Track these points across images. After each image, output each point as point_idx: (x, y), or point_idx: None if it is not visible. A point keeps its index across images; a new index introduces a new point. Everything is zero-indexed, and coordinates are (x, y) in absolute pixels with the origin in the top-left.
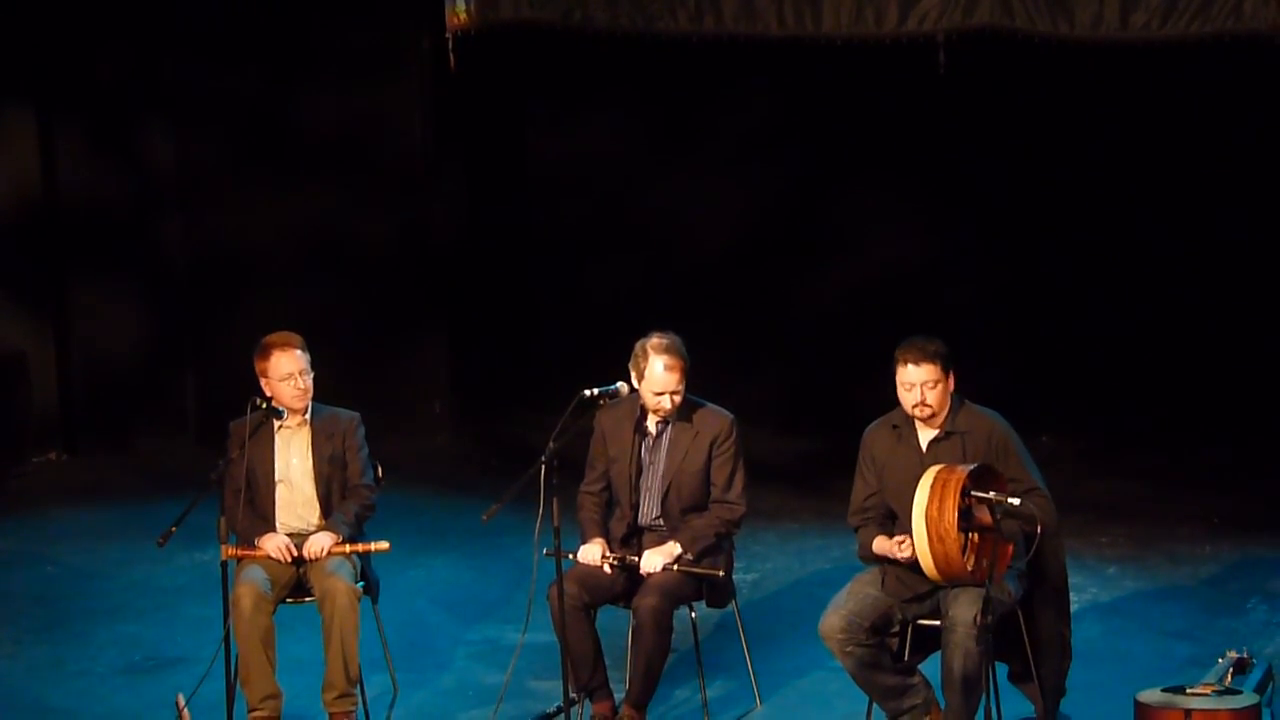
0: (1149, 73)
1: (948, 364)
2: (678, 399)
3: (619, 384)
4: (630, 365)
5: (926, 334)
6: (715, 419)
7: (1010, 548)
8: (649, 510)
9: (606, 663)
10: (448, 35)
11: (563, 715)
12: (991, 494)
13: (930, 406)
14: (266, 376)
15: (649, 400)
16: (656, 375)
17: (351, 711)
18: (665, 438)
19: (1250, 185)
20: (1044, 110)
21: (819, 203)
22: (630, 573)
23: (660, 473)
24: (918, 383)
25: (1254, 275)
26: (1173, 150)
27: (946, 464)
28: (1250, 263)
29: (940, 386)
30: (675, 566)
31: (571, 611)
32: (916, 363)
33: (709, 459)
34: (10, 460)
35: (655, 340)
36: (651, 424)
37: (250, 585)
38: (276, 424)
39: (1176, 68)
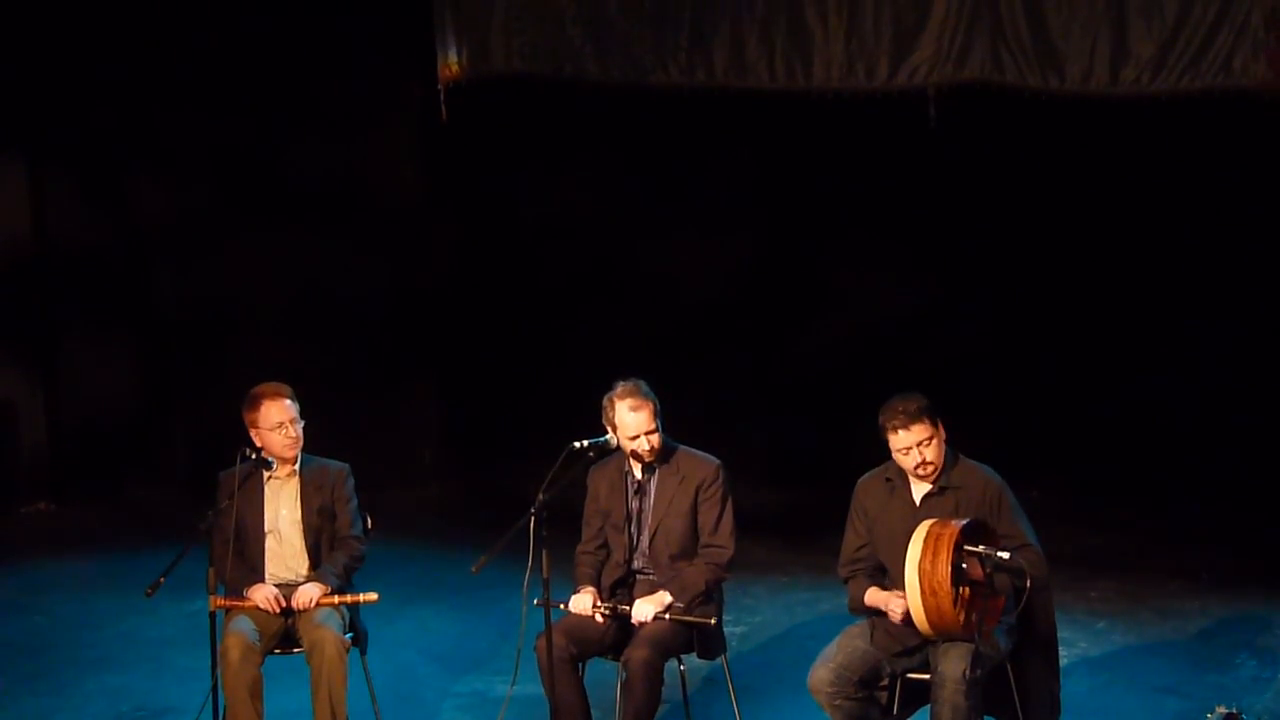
0: (1139, 128)
1: (934, 416)
2: (654, 439)
3: (608, 435)
4: (604, 421)
5: (903, 391)
6: (701, 464)
7: (1000, 602)
8: (638, 557)
9: (595, 715)
10: (439, 86)
11: None
12: (982, 548)
13: (932, 463)
14: (256, 427)
15: (628, 447)
16: (627, 420)
17: None
18: (652, 484)
19: (1239, 240)
20: (1034, 164)
21: (808, 255)
22: (621, 622)
23: (648, 518)
24: (912, 444)
25: (1245, 330)
26: (1162, 204)
27: (940, 518)
28: (1240, 317)
29: (935, 440)
30: (667, 615)
31: (559, 663)
32: (906, 426)
33: (695, 503)
34: None
35: (618, 389)
36: (638, 471)
37: (239, 636)
38: (266, 475)
39: (1166, 123)
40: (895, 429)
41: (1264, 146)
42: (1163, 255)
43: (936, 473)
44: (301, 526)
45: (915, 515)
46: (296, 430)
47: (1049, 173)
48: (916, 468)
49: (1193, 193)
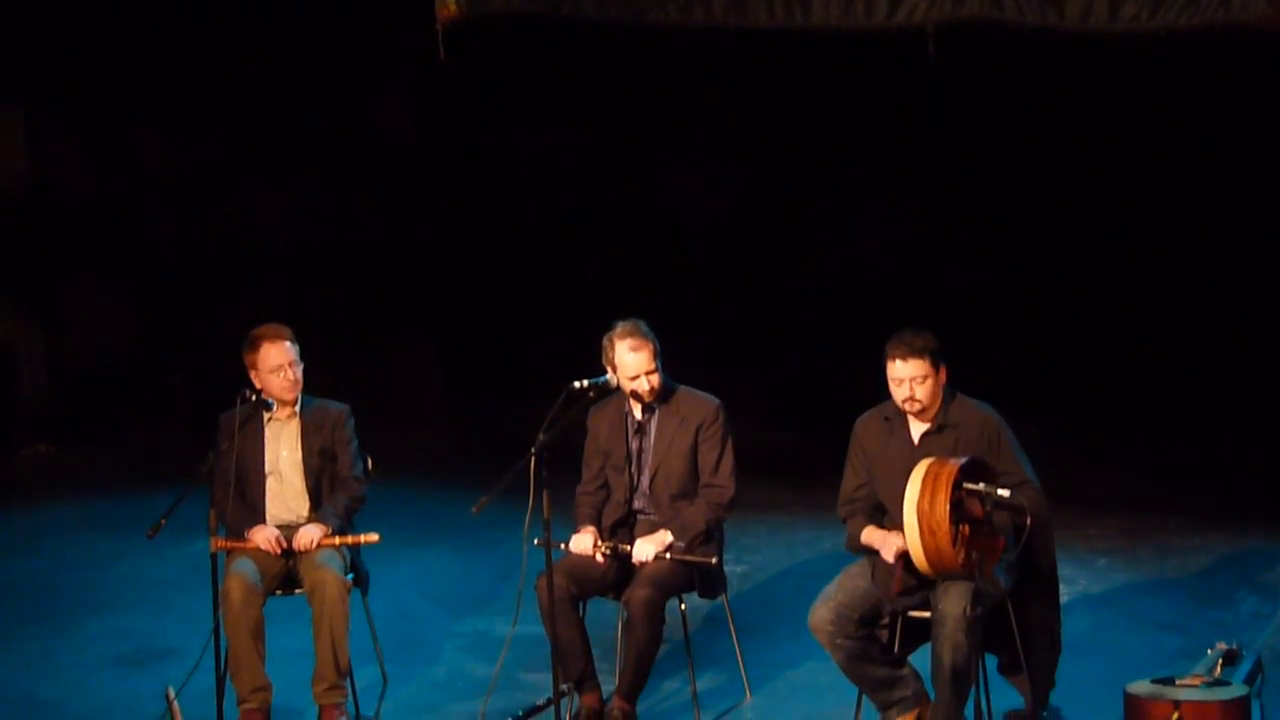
0: (1138, 64)
1: (938, 358)
2: (654, 379)
3: (608, 375)
4: (604, 362)
5: (916, 327)
6: (701, 404)
7: (1000, 540)
8: (638, 497)
9: (596, 654)
10: (437, 27)
11: (552, 707)
12: (982, 485)
13: (920, 401)
14: (256, 369)
15: (628, 387)
16: (626, 361)
17: (341, 703)
18: (652, 424)
19: (1239, 177)
20: (1033, 102)
21: (808, 194)
22: (622, 561)
23: (648, 459)
24: (906, 378)
25: (1244, 267)
26: (1161, 141)
27: (938, 457)
28: (1240, 255)
29: (930, 381)
30: (668, 554)
31: (560, 603)
32: (905, 358)
33: (695, 444)
34: None
35: (618, 329)
36: (638, 412)
37: (240, 577)
38: (266, 416)
39: (1165, 59)
40: (894, 358)
41: (1264, 83)
42: (1162, 193)
43: (923, 412)
44: (302, 468)
45: (914, 454)
46: (296, 373)
47: (1049, 111)
48: (904, 401)
49: (1193, 130)
